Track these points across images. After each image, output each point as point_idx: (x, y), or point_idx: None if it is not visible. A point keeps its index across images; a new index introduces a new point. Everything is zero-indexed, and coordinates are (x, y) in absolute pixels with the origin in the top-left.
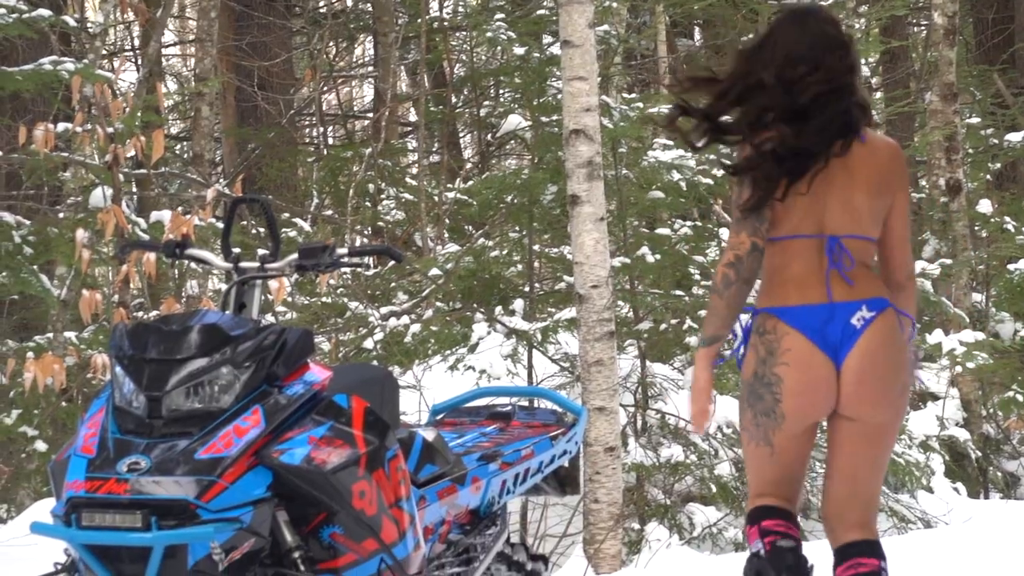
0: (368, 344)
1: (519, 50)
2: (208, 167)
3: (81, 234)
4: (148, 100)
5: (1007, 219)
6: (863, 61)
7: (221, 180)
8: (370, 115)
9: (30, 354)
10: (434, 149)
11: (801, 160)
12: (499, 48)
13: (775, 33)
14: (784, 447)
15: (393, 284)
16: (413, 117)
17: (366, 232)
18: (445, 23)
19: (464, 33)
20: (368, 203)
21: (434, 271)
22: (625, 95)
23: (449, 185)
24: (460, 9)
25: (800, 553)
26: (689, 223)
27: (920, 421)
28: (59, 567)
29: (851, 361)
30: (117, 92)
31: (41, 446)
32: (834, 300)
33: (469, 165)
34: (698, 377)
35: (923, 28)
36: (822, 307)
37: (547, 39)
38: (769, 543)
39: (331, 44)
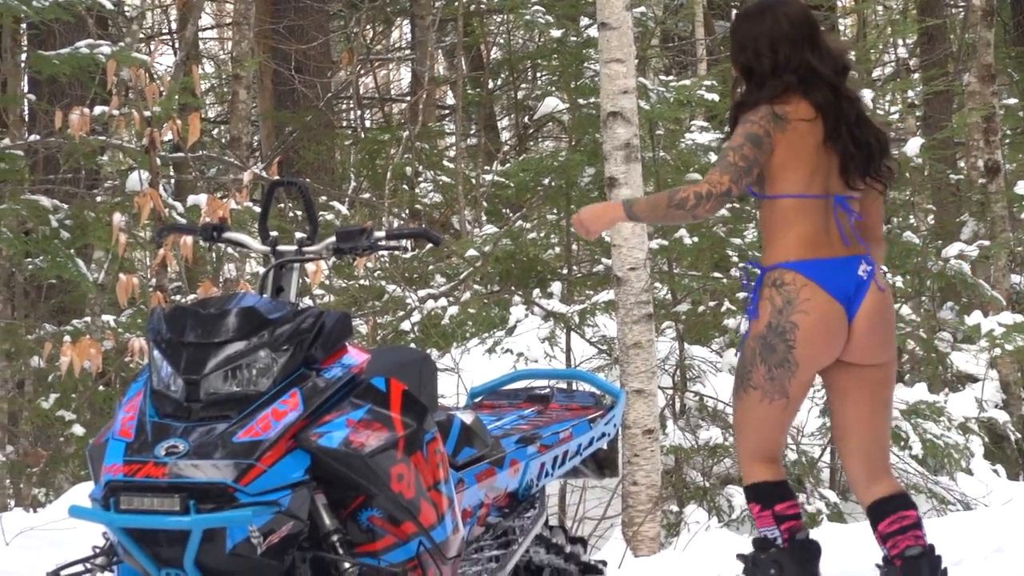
0: (406, 327)
1: (556, 32)
2: (246, 150)
3: (118, 218)
4: (185, 82)
5: None
6: (900, 41)
7: (258, 164)
8: (407, 98)
9: (67, 338)
10: (471, 132)
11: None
12: (536, 30)
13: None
14: (797, 396)
15: (431, 267)
16: (451, 100)
17: (403, 215)
18: (482, 5)
19: (501, 16)
20: (405, 186)
21: (471, 253)
22: (662, 77)
23: (486, 167)
24: None
25: (812, 539)
26: (728, 205)
27: (959, 403)
28: (97, 550)
29: (864, 310)
30: (154, 76)
31: (79, 430)
32: (844, 255)
33: (506, 147)
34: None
35: (961, 9)
36: (835, 261)
37: (584, 21)
38: (787, 532)
39: (368, 27)
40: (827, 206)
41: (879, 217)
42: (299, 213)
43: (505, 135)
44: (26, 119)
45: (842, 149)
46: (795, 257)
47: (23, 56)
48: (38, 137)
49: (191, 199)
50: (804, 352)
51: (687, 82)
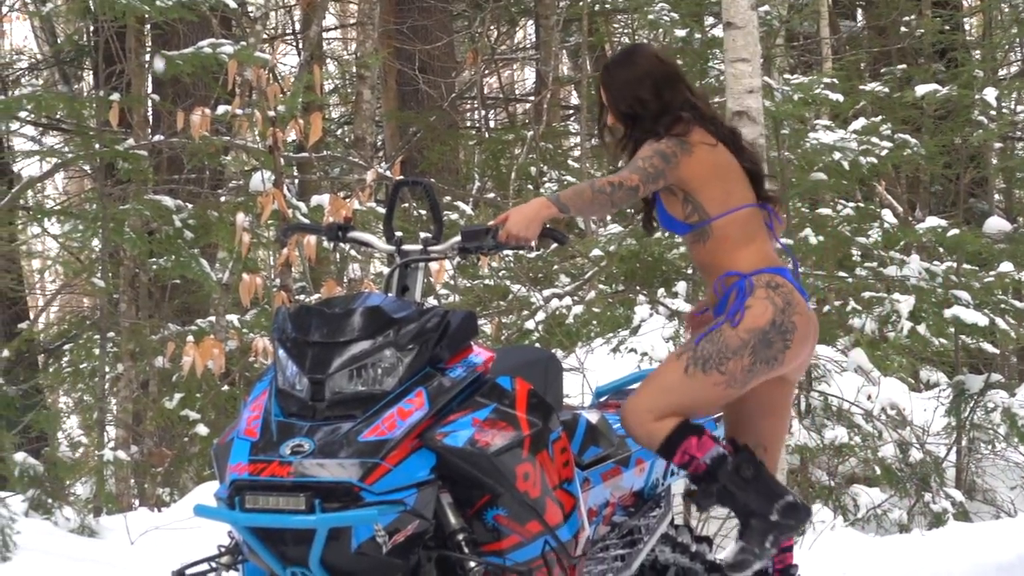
0: (530, 326)
1: (681, 32)
2: (370, 150)
3: (241, 218)
4: (308, 81)
5: None
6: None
7: (382, 163)
8: (532, 98)
9: (190, 338)
10: (596, 131)
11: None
12: (661, 30)
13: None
14: (749, 391)
15: (555, 266)
16: (575, 100)
17: None
18: (607, 5)
19: (626, 15)
20: (530, 186)
21: (596, 253)
22: (787, 76)
23: (611, 167)
24: None
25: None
26: (851, 204)
27: None
28: (223, 550)
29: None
30: (277, 76)
31: (203, 430)
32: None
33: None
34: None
35: None
36: (787, 269)
37: (709, 20)
38: (729, 447)
39: (492, 27)
40: (761, 214)
41: None
42: (423, 213)
43: None
44: (150, 119)
45: (749, 166)
46: (772, 264)
47: (147, 56)
48: (162, 137)
49: (315, 199)
50: (792, 354)
51: (807, 80)
